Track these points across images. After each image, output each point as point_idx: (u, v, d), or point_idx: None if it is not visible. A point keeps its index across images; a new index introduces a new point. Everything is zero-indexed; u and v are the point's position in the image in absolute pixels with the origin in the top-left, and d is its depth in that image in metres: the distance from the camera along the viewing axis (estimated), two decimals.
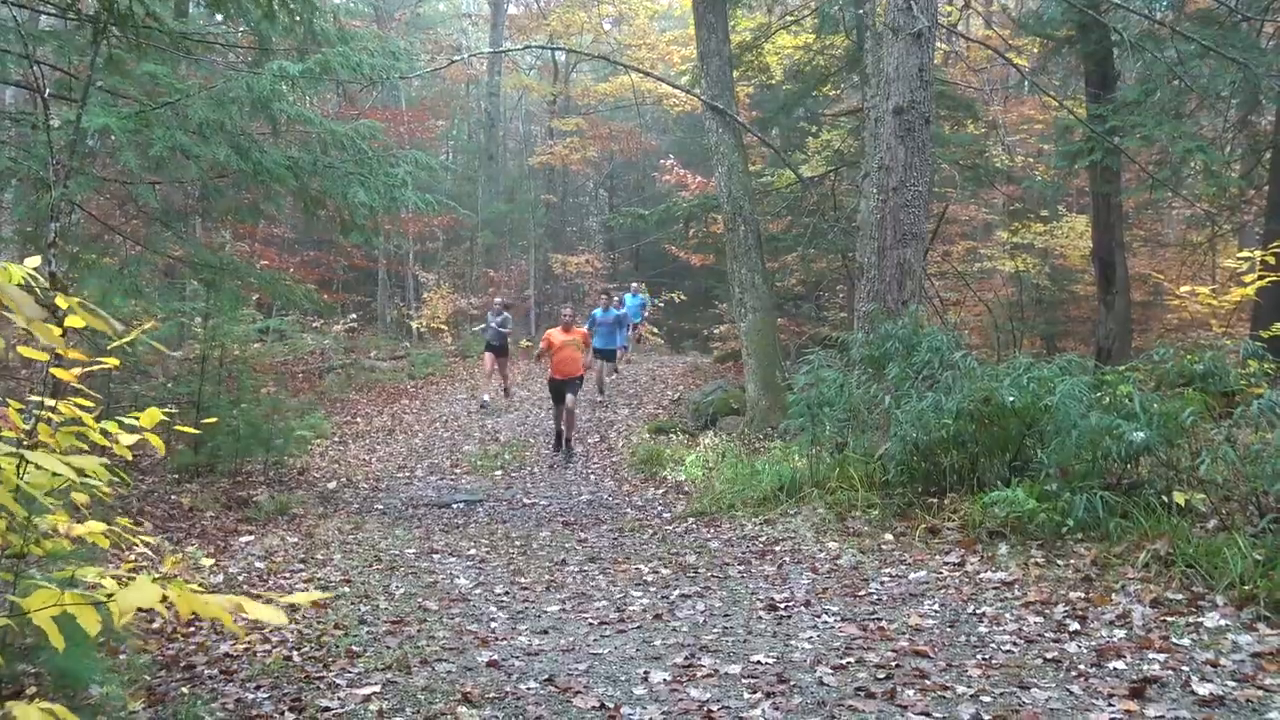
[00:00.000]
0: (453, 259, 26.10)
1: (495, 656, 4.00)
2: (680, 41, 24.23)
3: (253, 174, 7.44)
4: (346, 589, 5.41)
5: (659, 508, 8.39)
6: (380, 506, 8.80)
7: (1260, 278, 8.80)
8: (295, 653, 4.18)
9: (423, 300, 23.08)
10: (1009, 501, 5.26)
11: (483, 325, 15.22)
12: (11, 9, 6.14)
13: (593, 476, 10.36)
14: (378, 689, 3.60)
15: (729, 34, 12.89)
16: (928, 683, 3.40)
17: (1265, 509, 4.74)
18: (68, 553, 2.70)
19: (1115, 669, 3.46)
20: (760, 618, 4.51)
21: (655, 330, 24.25)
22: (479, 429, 13.27)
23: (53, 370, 2.54)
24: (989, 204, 18.86)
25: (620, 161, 29.56)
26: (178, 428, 4.04)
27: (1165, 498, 5.03)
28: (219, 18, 10.33)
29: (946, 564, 5.16)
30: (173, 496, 7.95)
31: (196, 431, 5.36)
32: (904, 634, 4.06)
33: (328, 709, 3.41)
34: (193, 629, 4.64)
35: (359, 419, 14.29)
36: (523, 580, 5.66)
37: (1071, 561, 4.77)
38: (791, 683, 3.49)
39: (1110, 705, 3.13)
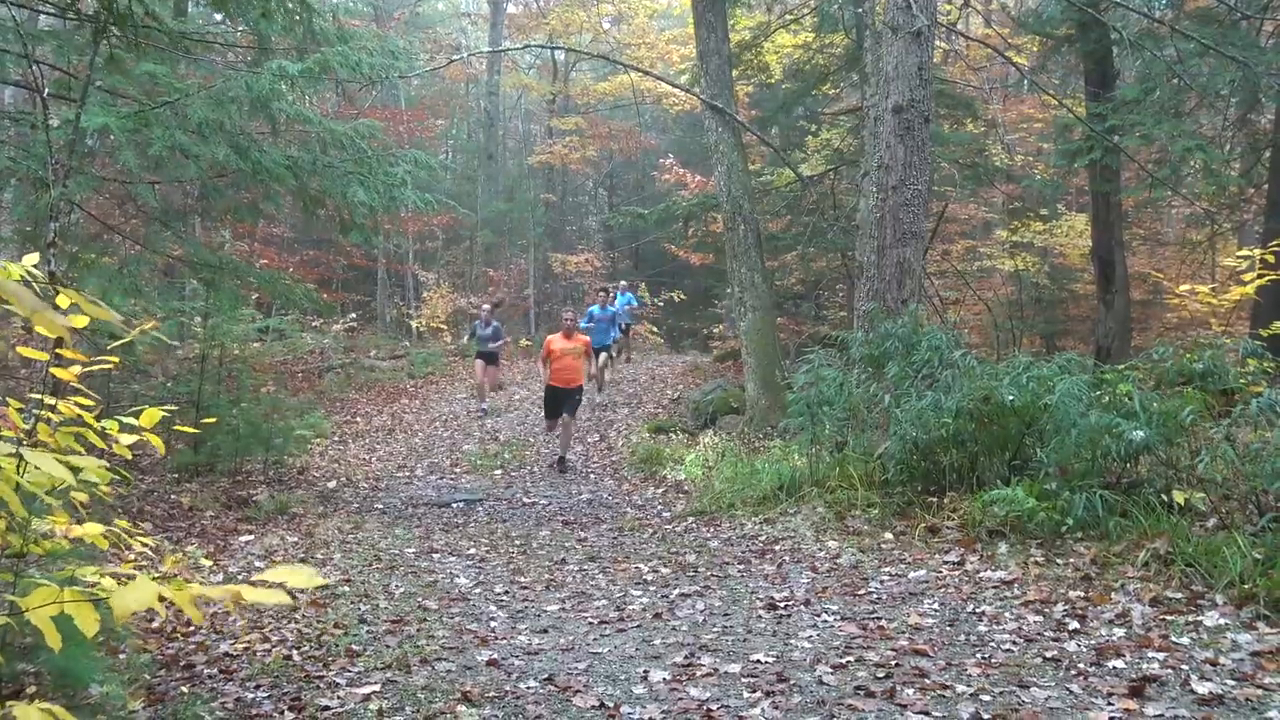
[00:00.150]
0: (452, 258, 26.09)
1: (495, 655, 4.00)
2: (680, 40, 24.23)
3: (252, 173, 7.44)
4: (346, 588, 5.41)
5: (659, 507, 8.40)
6: (380, 506, 8.80)
7: (1260, 276, 8.81)
8: (295, 652, 4.18)
9: (422, 299, 23.08)
10: (1008, 500, 5.26)
11: (469, 334, 14.59)
12: (10, 8, 6.13)
13: (592, 476, 10.36)
14: (377, 688, 3.60)
15: (728, 33, 12.88)
16: (927, 682, 3.41)
17: (1265, 508, 4.75)
18: (67, 552, 2.70)
19: (1115, 668, 3.46)
20: (760, 617, 4.51)
21: (655, 330, 24.26)
22: (478, 428, 13.27)
23: (52, 370, 2.54)
24: (988, 203, 18.85)
25: (620, 161, 29.55)
26: (177, 427, 4.05)
27: (1165, 496, 5.03)
28: (218, 17, 10.34)
29: (946, 563, 5.16)
30: (172, 496, 7.95)
31: (196, 431, 5.36)
32: (903, 633, 4.07)
33: (327, 708, 3.41)
34: (192, 628, 4.64)
35: (359, 418, 14.29)
36: (522, 579, 5.66)
37: (1071, 560, 4.78)
38: (791, 682, 3.49)
39: (1110, 704, 3.13)
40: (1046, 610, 4.20)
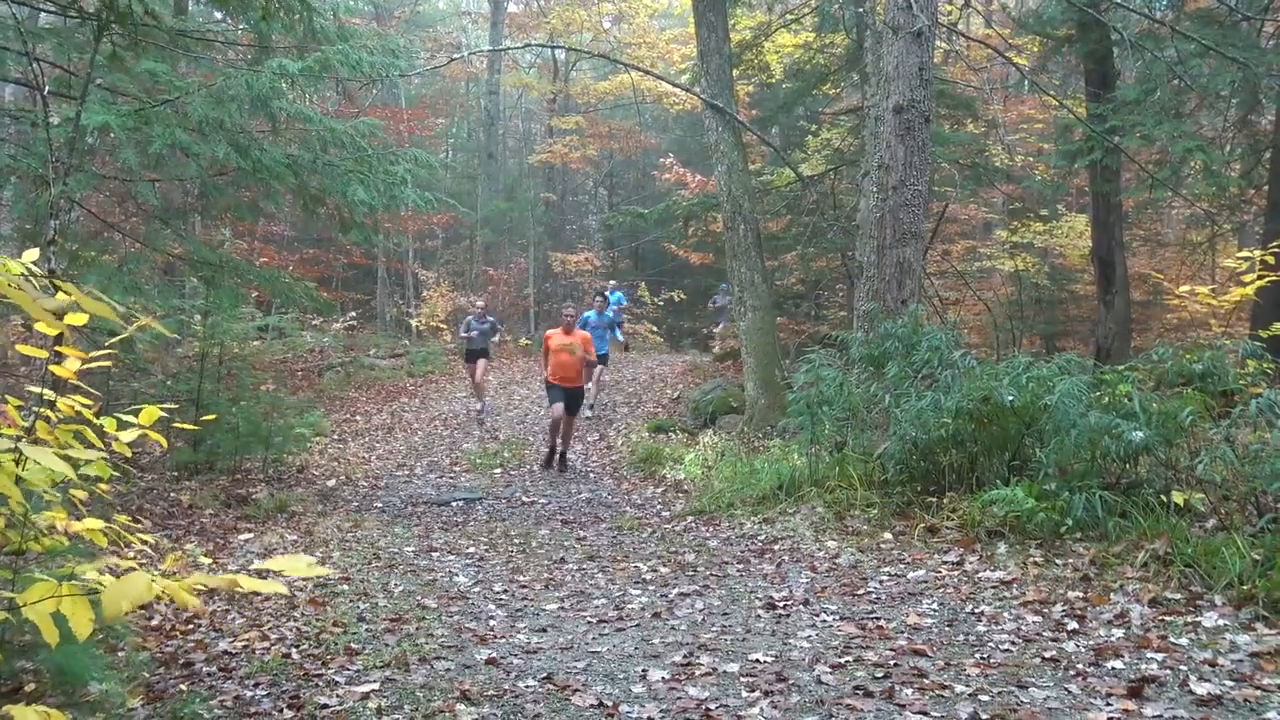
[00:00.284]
0: (452, 257, 26.10)
1: (494, 654, 4.00)
2: (680, 40, 24.23)
3: (252, 172, 7.43)
4: (345, 586, 5.41)
5: (658, 506, 8.40)
6: (379, 504, 8.80)
7: (1260, 277, 8.81)
8: (294, 650, 4.18)
9: (422, 298, 23.09)
10: (1008, 501, 5.26)
11: (464, 330, 13.82)
12: (11, 6, 6.13)
13: (592, 475, 10.36)
14: (376, 686, 3.60)
15: (729, 32, 12.88)
16: (926, 681, 3.41)
17: (1264, 509, 4.75)
18: (66, 550, 2.70)
19: (1113, 668, 3.46)
20: (759, 616, 4.51)
21: (654, 329, 24.27)
22: (478, 427, 13.27)
23: (51, 368, 2.54)
24: (989, 203, 18.86)
25: (620, 160, 29.55)
26: (177, 425, 4.05)
27: (1164, 497, 5.03)
28: (219, 15, 10.34)
29: (945, 563, 5.16)
30: (172, 494, 7.95)
31: (195, 426, 5.36)
32: (902, 633, 4.07)
33: (326, 706, 3.41)
34: (191, 626, 4.65)
35: (358, 417, 14.29)
36: (521, 578, 5.66)
37: (1070, 561, 4.78)
38: (790, 681, 3.49)
39: (1108, 704, 3.13)
40: (1045, 611, 4.20)
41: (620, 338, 14.98)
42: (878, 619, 4.30)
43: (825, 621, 4.33)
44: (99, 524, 2.44)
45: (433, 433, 13.08)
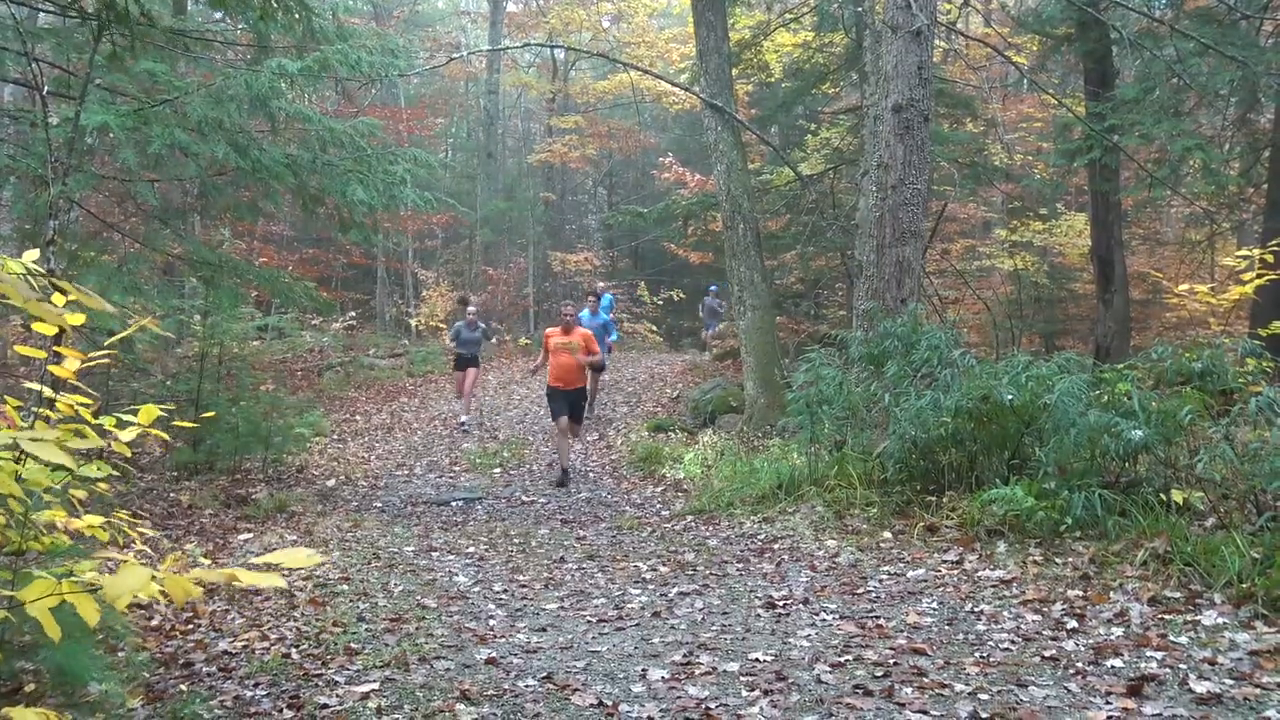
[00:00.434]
0: (452, 257, 26.11)
1: (494, 654, 4.00)
2: (679, 39, 24.23)
3: (251, 171, 7.43)
4: (345, 586, 5.41)
5: (657, 505, 8.40)
6: (379, 504, 8.80)
7: (1259, 276, 8.81)
8: (294, 650, 4.18)
9: (422, 298, 23.09)
10: (1007, 499, 5.26)
11: (453, 338, 13.23)
12: (10, 6, 6.13)
13: (591, 474, 10.36)
14: (376, 686, 3.60)
15: (728, 32, 12.88)
16: (925, 680, 3.41)
17: (1263, 507, 4.75)
18: (66, 549, 2.70)
19: (1113, 667, 3.46)
20: (759, 615, 4.51)
21: (654, 328, 24.27)
22: (477, 427, 13.27)
23: (50, 368, 2.54)
24: (988, 202, 18.87)
25: (619, 159, 29.55)
26: (177, 424, 4.05)
27: (1163, 496, 5.03)
28: (218, 15, 10.34)
29: (945, 562, 5.16)
30: (171, 494, 7.95)
31: (195, 424, 5.36)
32: (902, 632, 4.07)
33: (326, 706, 3.41)
34: (191, 627, 4.65)
35: (358, 417, 14.29)
36: (521, 578, 5.66)
37: (1069, 559, 4.78)
38: (790, 680, 3.49)
39: (1108, 703, 3.13)
40: (1045, 609, 4.20)
41: (604, 357, 12.57)
42: (877, 618, 4.31)
43: (825, 620, 4.33)
44: (99, 520, 2.44)
45: (432, 432, 13.08)
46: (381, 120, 13.06)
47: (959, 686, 3.33)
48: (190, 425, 3.76)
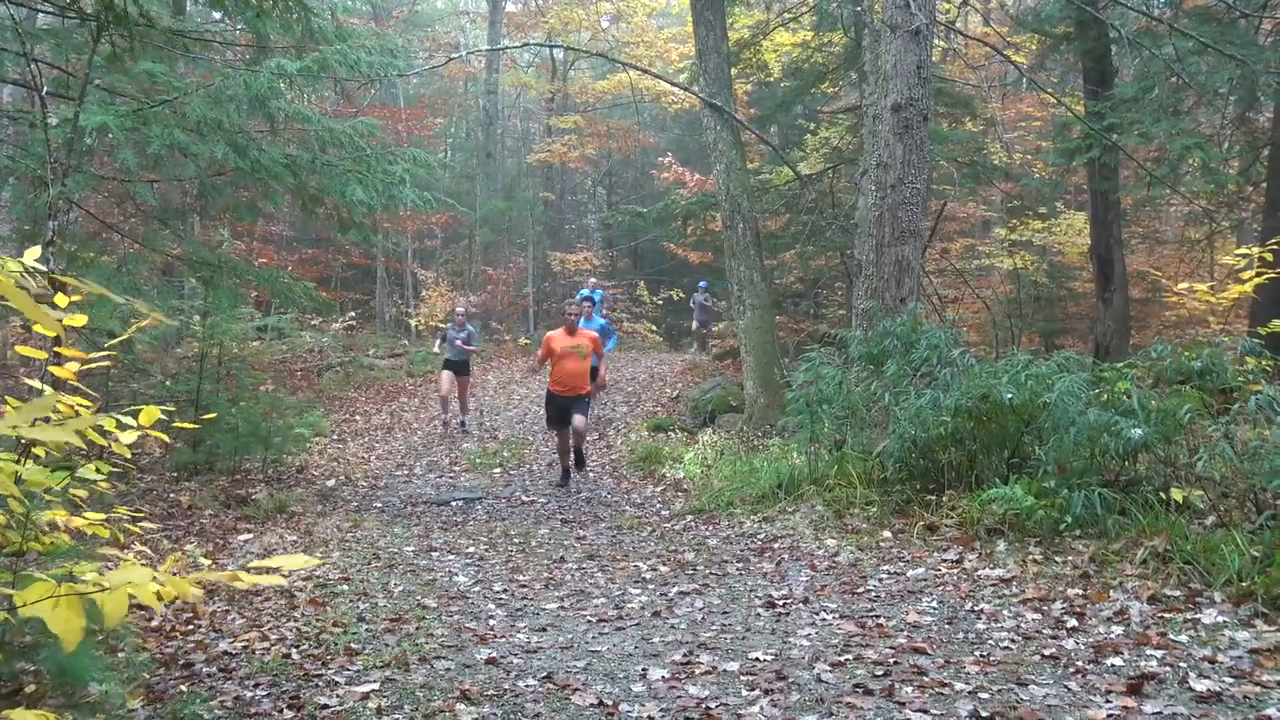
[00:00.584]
0: (451, 257, 26.12)
1: (494, 654, 4.00)
2: (678, 39, 24.23)
3: (250, 172, 7.44)
4: (345, 586, 5.41)
5: (657, 505, 8.40)
6: (379, 504, 8.80)
7: (1258, 274, 8.80)
8: (294, 650, 4.18)
9: (421, 298, 23.09)
10: (1007, 498, 5.26)
11: (440, 340, 12.72)
12: (9, 7, 6.13)
13: (591, 474, 10.36)
14: (376, 686, 3.60)
15: (727, 31, 12.88)
16: (926, 679, 3.41)
17: (1263, 505, 4.75)
18: (67, 550, 2.70)
19: (1113, 665, 3.46)
20: (759, 615, 4.51)
21: (654, 328, 24.27)
22: (477, 426, 13.27)
23: (51, 368, 2.54)
24: (987, 201, 18.87)
25: (618, 159, 29.56)
26: (177, 425, 4.05)
27: (1163, 494, 5.03)
28: (217, 15, 10.34)
29: (945, 561, 5.16)
30: (171, 494, 7.95)
31: (195, 425, 5.37)
32: (902, 631, 4.07)
33: (326, 706, 3.41)
34: (191, 627, 4.65)
35: (357, 417, 14.29)
36: (521, 578, 5.66)
37: (1069, 558, 4.78)
38: (790, 680, 3.49)
39: (1108, 701, 3.13)
40: (1045, 608, 4.20)
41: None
42: (877, 617, 4.31)
43: (825, 620, 4.33)
44: (100, 516, 2.44)
45: (432, 432, 13.07)
46: (380, 120, 13.05)
47: (959, 685, 3.33)
48: (190, 426, 3.75)
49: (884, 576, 5.07)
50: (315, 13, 7.28)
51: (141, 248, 8.94)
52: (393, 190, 7.99)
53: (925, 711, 3.12)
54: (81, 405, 2.57)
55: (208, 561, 5.91)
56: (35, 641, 2.65)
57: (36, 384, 2.58)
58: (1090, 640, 3.75)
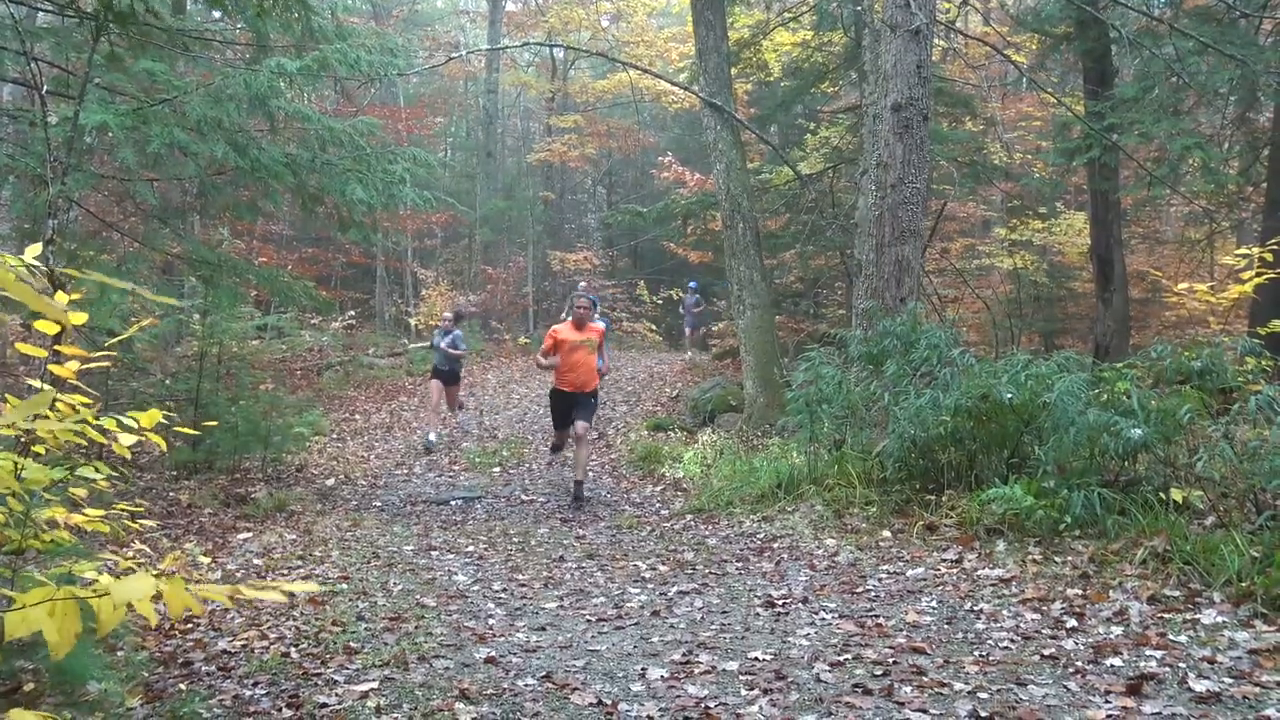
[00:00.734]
0: (451, 256, 26.11)
1: (493, 653, 4.00)
2: (678, 38, 24.23)
3: (250, 171, 7.44)
4: (344, 586, 5.41)
5: (657, 505, 8.40)
6: (378, 503, 8.80)
7: (1258, 274, 8.80)
8: (293, 649, 4.18)
9: (421, 297, 23.09)
10: (1007, 498, 5.26)
11: (427, 344, 11.83)
12: (9, 6, 6.13)
13: (591, 474, 10.36)
14: (375, 685, 3.60)
15: (727, 31, 12.88)
16: (925, 679, 3.41)
17: (1262, 506, 4.75)
18: (66, 549, 2.70)
19: (1112, 666, 3.46)
20: (758, 614, 4.51)
21: (653, 327, 24.27)
22: (477, 425, 13.27)
23: (51, 367, 2.54)
24: (987, 201, 18.86)
25: (618, 159, 29.56)
26: (177, 428, 4.05)
27: (1163, 495, 5.03)
28: (217, 15, 10.34)
29: (944, 561, 5.16)
30: (171, 493, 7.95)
31: (195, 432, 5.37)
32: (901, 631, 4.07)
33: (325, 705, 3.41)
34: (190, 626, 4.65)
35: (357, 416, 14.29)
36: (521, 577, 5.66)
37: (1069, 558, 4.78)
38: (789, 679, 3.49)
39: (1107, 701, 3.13)
40: (1044, 608, 4.20)
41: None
42: (877, 617, 4.31)
43: (824, 619, 4.33)
44: (100, 512, 2.44)
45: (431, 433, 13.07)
46: (380, 119, 13.05)
47: (958, 685, 3.33)
48: (190, 431, 3.75)
49: (883, 576, 5.07)
50: (315, 12, 7.28)
51: (141, 246, 8.94)
52: (393, 189, 7.99)
53: (924, 711, 3.12)
54: (82, 404, 2.57)
55: (207, 560, 5.91)
56: (34, 640, 2.65)
57: (36, 383, 2.57)
58: (1090, 640, 3.74)
